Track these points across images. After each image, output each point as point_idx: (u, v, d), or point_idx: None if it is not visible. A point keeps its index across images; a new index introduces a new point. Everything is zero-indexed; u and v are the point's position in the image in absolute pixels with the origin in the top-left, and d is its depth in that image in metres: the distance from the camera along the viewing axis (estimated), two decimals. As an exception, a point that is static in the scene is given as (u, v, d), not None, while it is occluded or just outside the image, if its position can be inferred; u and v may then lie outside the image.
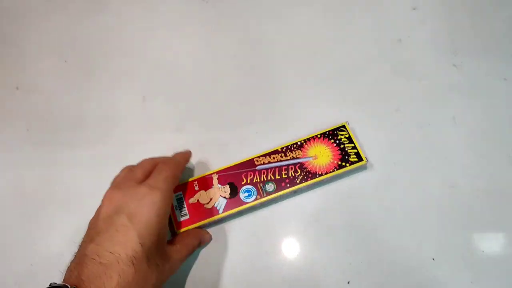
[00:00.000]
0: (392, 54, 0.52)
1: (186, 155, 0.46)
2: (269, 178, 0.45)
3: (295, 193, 0.47)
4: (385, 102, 0.50)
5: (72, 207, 0.49)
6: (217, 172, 0.46)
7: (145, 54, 0.55)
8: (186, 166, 0.49)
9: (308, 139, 0.47)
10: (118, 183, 0.40)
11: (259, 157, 0.46)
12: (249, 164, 0.46)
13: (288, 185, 0.45)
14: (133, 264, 0.33)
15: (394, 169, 0.48)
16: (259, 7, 0.55)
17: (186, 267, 0.46)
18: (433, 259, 0.44)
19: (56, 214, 0.49)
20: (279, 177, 0.45)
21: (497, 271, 0.44)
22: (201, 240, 0.45)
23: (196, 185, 0.46)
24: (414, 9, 0.54)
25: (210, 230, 0.47)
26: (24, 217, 0.50)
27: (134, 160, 0.45)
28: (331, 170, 0.45)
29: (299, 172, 0.45)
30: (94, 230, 0.35)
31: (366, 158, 0.45)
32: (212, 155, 0.50)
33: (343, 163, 0.46)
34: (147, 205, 0.36)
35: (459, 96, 0.50)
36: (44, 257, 0.48)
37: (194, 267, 0.46)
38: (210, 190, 0.45)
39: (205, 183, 0.46)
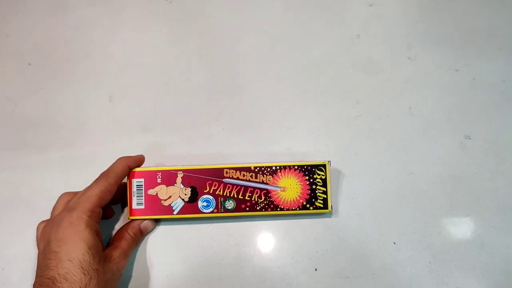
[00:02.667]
0: (351, 49, 0.53)
1: (128, 160, 0.44)
2: (232, 195, 0.43)
3: (252, 217, 0.46)
4: (346, 95, 0.51)
5: (41, 210, 0.47)
6: (183, 171, 0.44)
7: (110, 54, 0.54)
8: (154, 157, 0.49)
9: (284, 168, 0.43)
10: (51, 215, 0.42)
11: (229, 169, 0.43)
12: (217, 173, 0.43)
13: (247, 208, 0.43)
14: (67, 279, 0.35)
15: (355, 158, 0.49)
16: (221, 6, 0.55)
17: (158, 264, 0.46)
18: (394, 243, 0.46)
19: (25, 218, 0.48)
20: (241, 197, 0.43)
21: (453, 251, 0.45)
22: (142, 229, 0.45)
23: (159, 177, 0.44)
24: (370, 5, 0.54)
25: (174, 223, 0.47)
26: (-7, 222, 0.48)
27: (102, 161, 0.44)
28: (293, 208, 0.43)
29: (262, 199, 0.43)
30: (38, 266, 0.38)
31: (331, 206, 0.44)
32: (179, 152, 0.49)
33: (308, 205, 0.43)
34: (66, 228, 0.38)
35: (414, 87, 0.51)
36: (15, 260, 0.47)
37: (164, 262, 0.46)
38: (171, 187, 0.44)
39: (169, 178, 0.44)
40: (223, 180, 0.43)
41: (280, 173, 0.43)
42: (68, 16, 0.55)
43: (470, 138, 0.49)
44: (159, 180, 0.44)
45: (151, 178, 0.44)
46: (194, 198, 0.44)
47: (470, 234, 0.46)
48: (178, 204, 0.44)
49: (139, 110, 0.51)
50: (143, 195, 0.44)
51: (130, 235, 0.43)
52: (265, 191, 0.43)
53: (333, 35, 0.53)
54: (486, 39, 0.53)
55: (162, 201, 0.44)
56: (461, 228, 0.46)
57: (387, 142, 0.49)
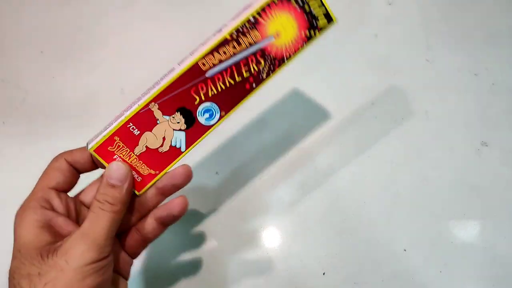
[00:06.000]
0: (368, 48, 0.50)
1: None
2: (227, 84, 0.31)
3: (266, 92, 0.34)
4: (361, 96, 0.48)
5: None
6: (154, 99, 0.31)
7: (123, 45, 0.51)
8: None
9: (263, 10, 0.31)
10: None
11: (204, 57, 0.30)
12: (195, 73, 0.31)
13: (254, 84, 0.32)
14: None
15: (369, 162, 0.46)
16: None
17: (161, 264, 0.44)
18: (405, 250, 0.43)
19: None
20: (240, 77, 0.32)
21: (465, 261, 0.43)
22: (110, 183, 0.29)
23: (133, 128, 0.31)
24: (389, 4, 0.51)
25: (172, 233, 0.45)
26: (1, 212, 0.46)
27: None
28: (299, 47, 0.32)
29: (262, 63, 0.32)
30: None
31: (335, 16, 0.33)
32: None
33: (311, 32, 0.32)
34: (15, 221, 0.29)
35: (431, 90, 0.48)
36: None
37: (165, 262, 0.44)
38: (157, 127, 0.31)
39: (145, 120, 0.31)
40: (206, 76, 0.31)
41: (262, 20, 0.31)
42: (82, 5, 0.53)
43: (487, 145, 0.46)
44: (136, 132, 0.31)
45: (127, 136, 0.31)
46: (190, 118, 0.32)
47: (484, 244, 0.43)
48: (178, 138, 0.32)
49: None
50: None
51: (98, 200, 0.28)
52: (260, 52, 0.32)
53: (351, 33, 0.50)
54: (508, 42, 0.49)
55: (160, 149, 0.32)
56: (475, 238, 0.43)
57: (402, 146, 0.46)
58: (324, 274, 0.43)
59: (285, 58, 0.32)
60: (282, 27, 0.32)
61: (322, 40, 0.50)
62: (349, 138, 0.47)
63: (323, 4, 0.32)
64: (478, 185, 0.45)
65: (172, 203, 0.31)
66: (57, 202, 0.30)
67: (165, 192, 0.32)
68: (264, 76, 0.32)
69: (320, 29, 0.33)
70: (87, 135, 0.48)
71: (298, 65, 0.49)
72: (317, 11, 0.32)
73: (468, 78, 0.48)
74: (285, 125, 0.48)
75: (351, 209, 0.45)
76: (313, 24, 0.32)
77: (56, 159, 0.31)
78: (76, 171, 0.31)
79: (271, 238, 0.44)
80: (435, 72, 0.49)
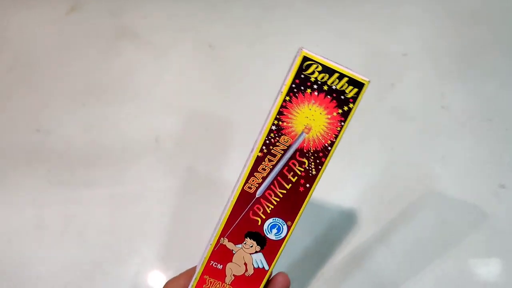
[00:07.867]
0: (386, 97, 0.53)
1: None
2: (281, 196, 0.31)
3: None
4: (380, 142, 0.51)
5: (89, 244, 0.48)
6: (221, 235, 0.32)
7: (157, 97, 0.55)
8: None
9: (280, 114, 0.29)
10: None
11: (246, 181, 0.31)
12: (246, 198, 0.31)
13: (307, 185, 0.31)
14: None
15: (388, 207, 0.48)
16: (260, 55, 0.56)
17: None
18: (430, 292, 0.44)
19: (74, 251, 0.49)
20: (290, 185, 0.31)
21: (489, 302, 0.44)
22: None
23: (215, 264, 0.32)
24: (404, 55, 0.55)
25: None
26: (44, 253, 0.49)
27: (148, 199, 0.45)
28: (338, 129, 0.29)
29: (306, 162, 0.30)
30: None
31: (363, 78, 0.29)
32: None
33: (345, 107, 0.29)
34: None
35: (447, 136, 0.51)
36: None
37: None
38: (235, 256, 0.32)
39: (222, 255, 0.32)
40: (256, 196, 0.31)
41: (285, 121, 0.30)
42: (120, 62, 0.57)
43: (504, 187, 0.48)
44: (220, 266, 0.32)
45: (214, 272, 0.32)
46: (260, 239, 0.32)
47: (507, 284, 0.44)
48: (258, 260, 0.32)
49: (183, 152, 0.52)
50: None
51: None
52: (298, 153, 0.30)
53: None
54: (519, 89, 0.52)
55: (245, 274, 0.32)
56: (497, 279, 0.45)
57: (421, 190, 0.48)
58: (352, 316, 0.44)
59: (327, 146, 0.30)
60: (309, 119, 0.30)
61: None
62: (369, 183, 0.49)
63: (344, 75, 0.29)
64: (498, 225, 0.46)
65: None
66: None
67: None
68: (314, 172, 0.30)
69: (353, 100, 0.29)
70: (124, 182, 0.51)
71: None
72: (340, 85, 0.29)
73: (482, 124, 0.51)
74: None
75: (377, 255, 0.46)
76: (342, 99, 0.29)
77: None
78: None
79: None
80: (450, 118, 0.51)
